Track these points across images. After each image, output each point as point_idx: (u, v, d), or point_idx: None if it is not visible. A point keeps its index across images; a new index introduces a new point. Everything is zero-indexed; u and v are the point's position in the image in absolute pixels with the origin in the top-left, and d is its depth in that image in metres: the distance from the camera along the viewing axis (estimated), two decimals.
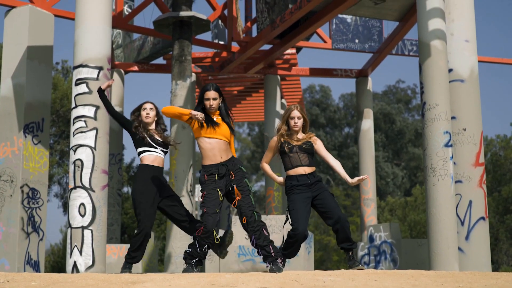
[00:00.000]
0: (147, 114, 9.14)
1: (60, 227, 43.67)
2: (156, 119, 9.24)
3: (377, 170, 50.98)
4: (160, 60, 21.50)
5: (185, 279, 6.60)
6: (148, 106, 9.20)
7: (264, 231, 8.29)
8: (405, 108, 61.68)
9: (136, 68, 20.60)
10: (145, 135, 9.02)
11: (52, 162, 30.40)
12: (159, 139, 9.10)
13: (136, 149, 9.08)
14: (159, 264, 25.06)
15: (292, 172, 8.70)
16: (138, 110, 9.22)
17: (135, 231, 8.83)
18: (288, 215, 8.67)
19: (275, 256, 8.17)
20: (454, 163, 12.29)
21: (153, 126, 9.16)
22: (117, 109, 19.74)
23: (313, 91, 60.58)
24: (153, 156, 8.98)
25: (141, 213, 8.81)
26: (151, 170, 8.96)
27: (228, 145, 8.49)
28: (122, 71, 20.53)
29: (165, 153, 9.17)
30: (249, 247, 14.05)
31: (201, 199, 8.38)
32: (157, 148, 9.03)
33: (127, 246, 17.51)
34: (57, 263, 35.15)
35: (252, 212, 8.33)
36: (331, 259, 41.70)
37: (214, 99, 8.39)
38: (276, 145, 8.83)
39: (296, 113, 8.87)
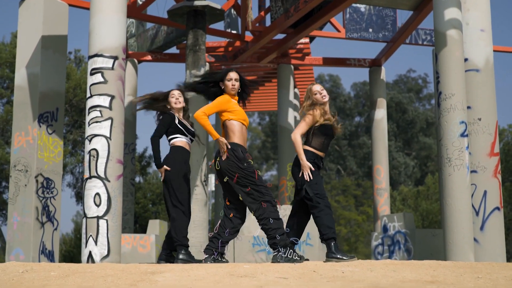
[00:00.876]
0: (176, 99, 9.16)
1: (72, 216, 43.78)
2: (183, 105, 9.26)
3: (389, 160, 50.87)
4: (174, 50, 21.52)
5: (204, 269, 6.62)
6: (176, 92, 9.21)
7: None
8: (416, 98, 61.58)
9: (149, 57, 20.61)
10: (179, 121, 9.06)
11: (65, 151, 30.45)
12: (191, 128, 9.14)
13: (168, 136, 9.06)
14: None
15: (318, 152, 8.69)
16: (165, 98, 9.21)
17: (175, 216, 8.85)
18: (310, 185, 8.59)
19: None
20: (470, 153, 12.26)
21: (181, 113, 9.19)
22: (130, 99, 19.77)
23: (323, 81, 60.56)
24: (185, 141, 8.99)
25: (183, 194, 8.90)
26: (185, 153, 8.98)
27: None
28: (136, 61, 20.56)
29: (192, 141, 9.18)
30: (263, 237, 14.05)
31: (247, 176, 8.27)
32: (187, 136, 9.05)
33: (141, 235, 17.56)
34: (69, 252, 35.25)
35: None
36: (341, 248, 41.78)
37: (236, 80, 8.59)
38: (317, 121, 8.81)
39: (318, 86, 8.97)
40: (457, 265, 7.45)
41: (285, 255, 7.99)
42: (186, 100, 9.36)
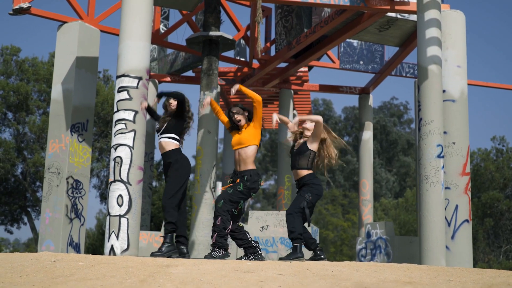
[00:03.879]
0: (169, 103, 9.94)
1: (96, 214, 43.77)
2: (175, 109, 9.89)
3: (373, 175, 50.92)
4: (190, 73, 21.54)
5: (212, 264, 6.62)
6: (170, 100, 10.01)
7: (219, 219, 8.62)
8: (398, 122, 61.80)
9: (168, 79, 20.63)
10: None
11: (92, 157, 30.46)
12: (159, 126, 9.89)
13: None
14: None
15: None
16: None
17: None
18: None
19: (213, 245, 8.60)
20: (444, 172, 12.29)
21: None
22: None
23: (317, 104, 60.77)
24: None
25: None
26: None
27: (246, 153, 8.84)
28: (156, 81, 20.58)
29: (168, 137, 9.58)
30: (263, 238, 14.06)
31: None
32: (158, 135, 9.84)
33: (156, 233, 17.55)
34: (91, 245, 35.25)
35: (218, 199, 8.80)
36: (328, 250, 41.72)
37: (237, 113, 9.13)
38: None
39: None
40: (431, 268, 7.46)
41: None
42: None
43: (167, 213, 9.29)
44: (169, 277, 5.74)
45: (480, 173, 35.53)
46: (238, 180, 8.83)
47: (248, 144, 8.88)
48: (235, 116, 9.08)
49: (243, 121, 9.08)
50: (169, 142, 9.71)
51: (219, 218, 8.59)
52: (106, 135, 31.24)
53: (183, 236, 9.53)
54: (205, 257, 8.45)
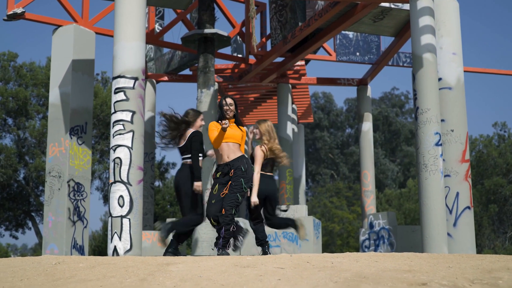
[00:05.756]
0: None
1: (100, 216, 43.81)
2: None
3: (377, 165, 50.99)
4: (187, 71, 21.59)
5: (212, 261, 6.66)
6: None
7: (232, 226, 8.77)
8: (400, 112, 61.77)
9: (166, 78, 20.66)
10: None
11: (93, 160, 30.51)
12: None
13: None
14: (187, 248, 25.13)
15: None
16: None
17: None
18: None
19: (222, 245, 8.71)
20: (444, 159, 12.34)
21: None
22: (150, 114, 19.80)
23: (317, 98, 60.74)
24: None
25: None
26: None
27: (238, 146, 8.97)
28: (154, 81, 20.61)
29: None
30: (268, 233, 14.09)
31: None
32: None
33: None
34: (97, 247, 35.31)
35: (229, 207, 8.75)
36: (335, 243, 41.73)
37: (230, 104, 9.10)
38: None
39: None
40: (431, 256, 7.50)
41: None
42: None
43: None
44: (169, 275, 5.79)
45: (483, 160, 35.57)
46: (232, 171, 8.88)
47: (240, 143, 9.08)
48: (229, 107, 9.10)
49: (231, 114, 9.14)
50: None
51: (232, 226, 8.71)
52: (107, 137, 31.29)
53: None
54: (219, 254, 8.55)
